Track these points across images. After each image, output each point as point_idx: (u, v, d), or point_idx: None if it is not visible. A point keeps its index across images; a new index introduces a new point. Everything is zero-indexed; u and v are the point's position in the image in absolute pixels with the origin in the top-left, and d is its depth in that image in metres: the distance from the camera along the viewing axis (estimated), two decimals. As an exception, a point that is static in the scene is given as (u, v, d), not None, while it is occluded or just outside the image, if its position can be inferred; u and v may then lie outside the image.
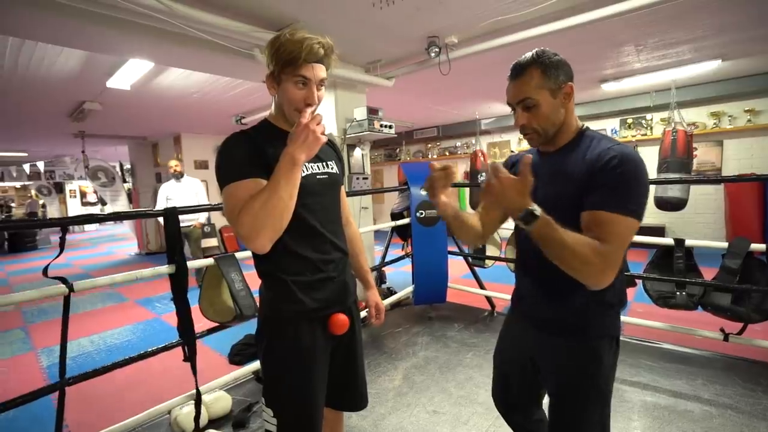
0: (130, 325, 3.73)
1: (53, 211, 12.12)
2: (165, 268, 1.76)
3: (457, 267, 4.01)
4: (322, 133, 0.91)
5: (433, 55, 3.16)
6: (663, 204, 4.49)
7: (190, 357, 1.80)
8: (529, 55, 0.95)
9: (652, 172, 5.10)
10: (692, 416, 1.86)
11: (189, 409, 1.93)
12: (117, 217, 1.59)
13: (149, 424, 2.00)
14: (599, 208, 0.84)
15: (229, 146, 0.96)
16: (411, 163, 4.64)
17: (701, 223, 5.74)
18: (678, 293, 2.25)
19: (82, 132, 6.08)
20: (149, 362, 2.74)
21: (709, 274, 2.30)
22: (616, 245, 0.82)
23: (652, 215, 5.89)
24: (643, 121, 6.12)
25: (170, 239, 1.74)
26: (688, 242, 2.27)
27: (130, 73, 3.42)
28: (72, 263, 7.54)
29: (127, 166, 8.90)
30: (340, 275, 1.09)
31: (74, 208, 13.85)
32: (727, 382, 2.14)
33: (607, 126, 6.39)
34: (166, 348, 1.82)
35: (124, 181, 8.59)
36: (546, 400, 1.10)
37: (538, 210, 0.81)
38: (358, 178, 3.82)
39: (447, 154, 8.69)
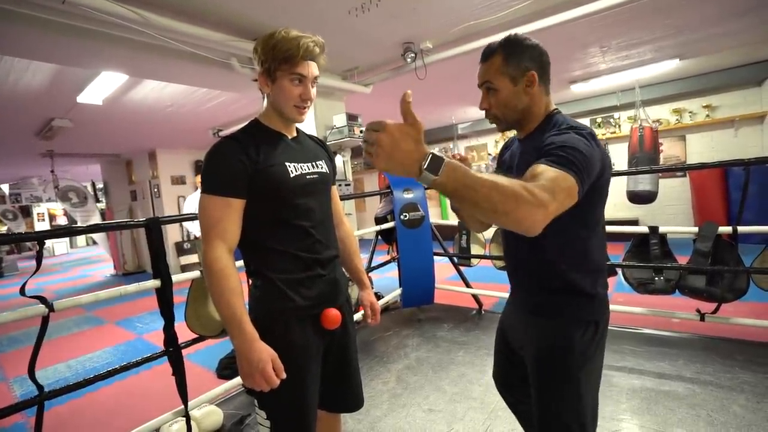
0: (111, 347, 3.59)
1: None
2: (150, 283, 1.71)
3: (443, 269, 4.06)
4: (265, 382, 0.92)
5: (409, 60, 3.23)
6: (635, 197, 4.70)
7: (177, 371, 1.75)
8: (500, 39, 0.98)
9: (622, 168, 5.28)
10: (677, 394, 1.94)
11: (179, 425, 1.86)
12: (96, 229, 1.55)
13: (137, 444, 1.92)
14: (538, 162, 0.79)
15: (217, 154, 0.97)
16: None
17: (671, 215, 6.01)
18: (656, 278, 2.35)
19: (50, 151, 5.86)
20: (135, 383, 2.68)
21: (682, 261, 2.41)
22: (548, 188, 0.71)
23: (625, 209, 6.12)
24: (612, 120, 6.39)
25: (155, 252, 1.69)
26: (662, 229, 2.38)
27: (102, 87, 3.34)
28: (44, 288, 7.19)
29: (100, 185, 8.62)
30: (331, 273, 1.09)
31: (43, 232, 13.25)
32: (706, 360, 2.23)
33: (578, 125, 6.64)
34: (151, 358, 1.76)
35: (97, 200, 8.31)
36: None
37: (441, 154, 0.65)
38: (340, 185, 3.83)
39: (426, 159, 8.80)
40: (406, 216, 3.35)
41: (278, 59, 0.96)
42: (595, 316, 0.98)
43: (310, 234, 1.04)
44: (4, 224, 11.76)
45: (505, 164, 1.12)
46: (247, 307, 1.02)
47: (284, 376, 0.92)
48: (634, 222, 6.11)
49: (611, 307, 2.66)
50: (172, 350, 1.77)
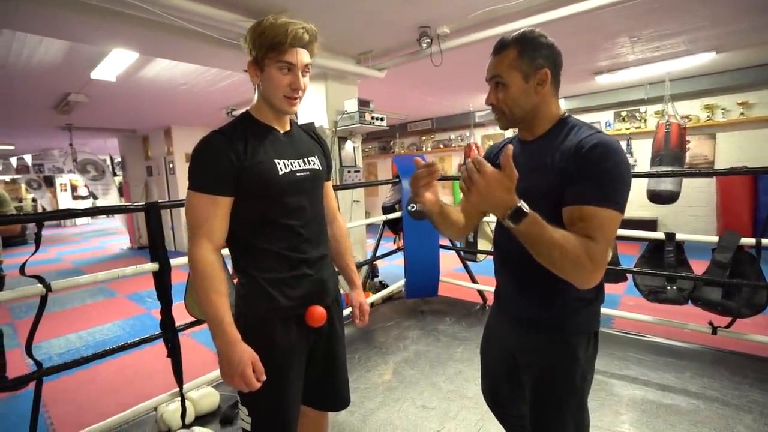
0: (120, 320, 3.70)
1: (45, 205, 11.95)
2: (148, 266, 1.72)
3: (450, 260, 4.01)
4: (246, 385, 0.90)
5: (424, 45, 3.10)
6: (655, 197, 4.50)
7: (173, 353, 1.78)
8: (514, 33, 0.92)
9: (645, 165, 5.13)
10: (679, 409, 1.87)
11: (175, 405, 1.90)
12: (96, 212, 1.54)
13: (135, 421, 1.98)
14: (583, 203, 0.81)
15: (205, 150, 0.94)
16: (403, 156, 4.60)
17: (693, 216, 5.77)
18: (668, 288, 2.25)
19: (69, 125, 5.95)
20: (137, 360, 2.74)
21: (699, 266, 2.30)
22: (603, 242, 0.79)
23: (644, 208, 5.90)
24: (637, 114, 6.10)
25: (153, 235, 1.69)
26: (679, 236, 2.27)
27: (114, 64, 3.33)
28: (63, 258, 7.46)
29: (118, 159, 8.78)
30: (318, 273, 1.06)
31: (65, 202, 13.68)
32: (714, 375, 2.15)
33: (601, 119, 6.37)
34: (146, 340, 1.79)
35: (115, 174, 8.47)
36: None
37: (526, 207, 0.75)
38: (349, 171, 3.78)
39: (441, 146, 8.65)
40: (413, 207, 3.29)
41: (265, 46, 0.92)
42: (595, 326, 0.97)
43: (298, 233, 1.01)
44: (29, 192, 12.19)
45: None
46: (234, 303, 1.01)
47: (264, 378, 0.91)
48: (653, 222, 5.90)
49: (618, 312, 2.61)
50: (169, 333, 1.79)
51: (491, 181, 0.75)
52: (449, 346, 2.70)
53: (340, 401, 1.18)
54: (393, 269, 4.64)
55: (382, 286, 3.87)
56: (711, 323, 2.22)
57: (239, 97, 5.14)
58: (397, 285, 3.64)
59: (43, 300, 1.48)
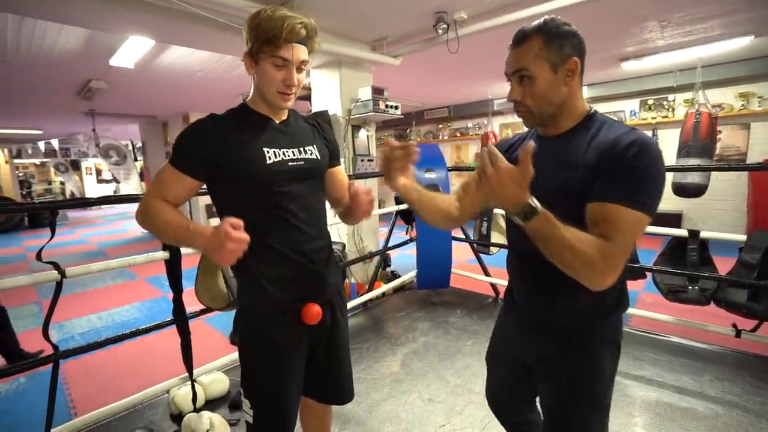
0: (138, 303, 3.82)
1: (71, 188, 12.41)
2: (159, 255, 1.75)
3: (463, 251, 3.96)
4: (233, 259, 0.84)
5: (440, 32, 3.01)
6: (681, 190, 4.31)
7: (183, 340, 1.82)
8: (536, 22, 0.85)
9: (671, 157, 4.91)
10: (696, 414, 1.81)
11: (186, 389, 1.96)
12: (108, 201, 1.57)
13: (149, 402, 2.04)
14: (609, 200, 0.75)
15: (188, 131, 0.95)
16: (417, 145, 4.52)
17: (720, 210, 5.52)
18: (690, 287, 2.16)
19: (92, 110, 6.09)
20: (153, 342, 2.83)
21: (724, 263, 2.19)
22: (623, 244, 0.74)
23: (668, 201, 5.68)
24: (665, 103, 5.82)
25: (164, 224, 1.71)
26: (704, 234, 2.16)
27: (131, 51, 3.36)
28: (88, 240, 7.74)
29: (139, 144, 8.97)
30: (316, 266, 1.04)
31: (90, 185, 14.14)
32: (735, 379, 2.06)
33: (626, 107, 6.11)
34: (158, 326, 1.84)
35: (136, 159, 8.67)
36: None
37: (538, 205, 0.72)
38: (362, 160, 3.75)
39: (458, 135, 8.49)
40: (426, 198, 3.24)
41: (261, 40, 0.90)
42: (619, 336, 0.91)
43: (291, 225, 0.99)
44: (57, 175, 12.65)
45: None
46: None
47: (243, 234, 0.83)
48: (678, 216, 5.68)
49: (635, 311, 2.53)
50: (180, 320, 1.83)
51: (505, 176, 0.71)
52: (459, 339, 2.68)
53: (343, 395, 1.18)
54: (405, 259, 4.63)
55: (394, 276, 3.86)
56: (735, 325, 2.12)
57: (255, 84, 5.14)
58: (409, 275, 3.63)
59: (59, 285, 1.52)
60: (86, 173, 14.11)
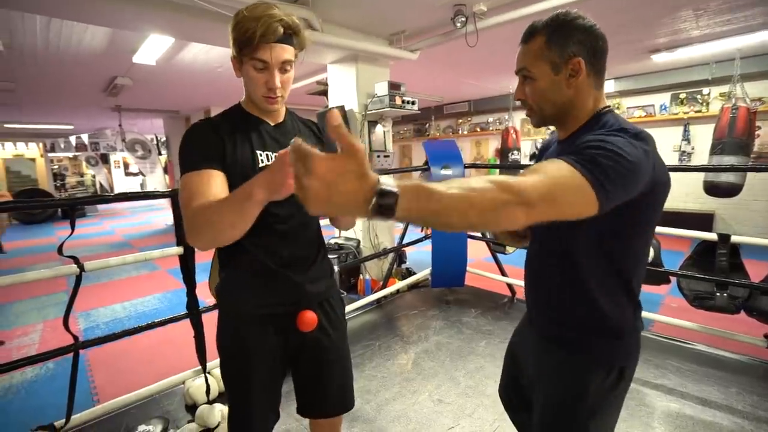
0: (160, 293, 3.94)
1: (101, 181, 12.91)
2: (173, 250, 1.78)
3: (481, 248, 3.89)
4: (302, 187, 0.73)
5: (459, 25, 2.93)
6: (713, 189, 4.08)
7: (197, 334, 1.85)
8: (546, 18, 0.80)
9: (704, 154, 4.62)
10: (721, 428, 1.72)
11: (200, 381, 2.00)
12: (124, 198, 1.61)
13: (166, 392, 2.10)
14: (557, 158, 0.64)
15: (190, 135, 0.91)
16: (433, 141, 4.46)
17: (756, 212, 5.22)
18: (718, 294, 2.05)
19: (118, 106, 6.30)
20: (171, 332, 2.90)
21: (758, 268, 2.06)
22: (544, 184, 0.57)
23: (699, 200, 5.44)
24: (699, 97, 5.52)
25: (178, 220, 1.75)
26: (735, 238, 2.04)
27: (153, 49, 3.43)
28: (115, 231, 8.05)
29: (163, 138, 9.22)
30: (294, 273, 0.98)
31: (119, 178, 14.68)
32: (766, 393, 1.95)
33: (656, 101, 5.84)
34: (175, 319, 1.89)
35: (160, 153, 8.91)
36: None
37: (391, 183, 0.47)
38: (378, 156, 3.72)
39: (478, 130, 8.34)
40: (441, 195, 3.19)
41: (239, 42, 0.85)
42: (621, 361, 0.82)
43: (274, 230, 0.95)
44: (89, 168, 13.18)
45: None
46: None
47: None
48: (709, 217, 5.42)
49: (658, 316, 2.42)
50: (193, 314, 1.87)
51: (329, 177, 0.45)
52: (472, 340, 2.64)
53: (332, 407, 1.10)
54: (421, 256, 4.59)
55: (409, 273, 3.84)
56: (767, 336, 2.00)
57: (273, 80, 5.18)
58: (423, 273, 3.60)
59: (78, 279, 1.57)
60: (115, 166, 14.64)
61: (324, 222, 1.21)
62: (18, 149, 11.03)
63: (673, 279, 2.27)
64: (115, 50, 3.55)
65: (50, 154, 11.50)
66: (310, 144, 1.02)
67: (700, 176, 4.07)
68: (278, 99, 0.92)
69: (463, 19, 2.89)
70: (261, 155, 0.94)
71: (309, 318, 0.98)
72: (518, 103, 0.91)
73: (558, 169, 0.61)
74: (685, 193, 5.57)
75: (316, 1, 2.73)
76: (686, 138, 5.65)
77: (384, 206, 0.47)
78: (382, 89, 3.45)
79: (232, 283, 0.99)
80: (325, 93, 4.48)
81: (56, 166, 13.45)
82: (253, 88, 0.90)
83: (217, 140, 0.90)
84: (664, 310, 2.98)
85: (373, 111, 3.53)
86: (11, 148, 10.89)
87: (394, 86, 3.46)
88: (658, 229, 1.97)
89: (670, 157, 5.74)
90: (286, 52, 0.87)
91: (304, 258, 1.01)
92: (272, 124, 0.99)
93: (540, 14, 2.99)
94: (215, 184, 0.85)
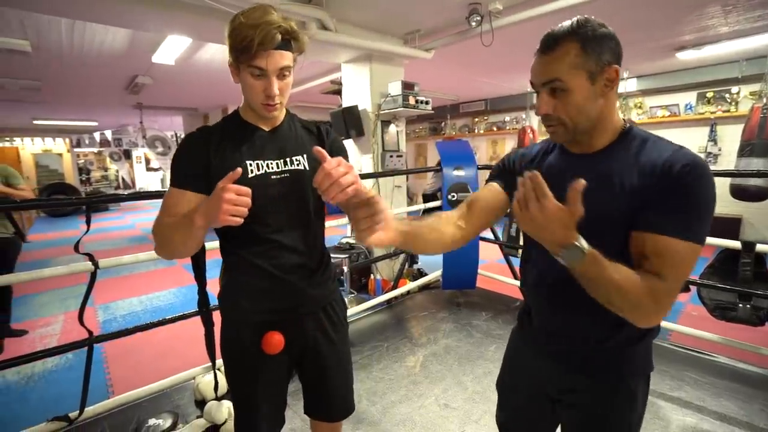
0: (175, 288, 4.03)
1: (123, 175, 13.33)
2: (184, 248, 1.82)
3: (494, 251, 3.84)
4: (237, 214, 0.77)
5: (473, 24, 2.89)
6: (740, 193, 3.92)
7: (207, 330, 1.88)
8: (567, 24, 0.73)
9: (731, 156, 4.45)
10: (739, 445, 1.65)
11: (209, 377, 2.04)
12: (138, 197, 1.65)
13: (176, 387, 2.14)
14: (661, 232, 0.69)
15: (180, 149, 0.93)
16: (446, 142, 4.42)
17: (788, 217, 4.99)
18: (740, 305, 1.96)
19: (139, 104, 6.46)
20: (184, 328, 2.97)
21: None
22: (675, 281, 0.68)
23: (725, 204, 5.22)
24: (727, 96, 5.29)
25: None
26: (760, 247, 1.94)
27: (171, 49, 3.50)
28: (135, 225, 8.28)
29: (182, 135, 9.42)
30: (296, 280, 0.98)
31: (140, 173, 15.09)
32: (790, 409, 1.86)
33: (680, 101, 5.63)
34: (185, 316, 1.92)
35: (180, 150, 9.11)
36: None
37: (585, 246, 0.66)
38: (391, 156, 3.71)
39: (495, 129, 8.21)
40: (454, 196, 3.16)
41: (236, 49, 0.85)
42: (649, 368, 0.84)
43: (270, 239, 0.95)
44: (112, 163, 13.60)
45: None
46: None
47: (244, 189, 0.78)
48: (735, 221, 5.20)
49: (676, 326, 2.34)
50: (204, 311, 1.89)
51: (549, 216, 0.65)
52: (481, 344, 2.61)
53: (334, 411, 1.12)
54: (433, 257, 4.56)
55: (420, 273, 3.82)
56: (792, 350, 1.91)
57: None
58: (435, 274, 3.57)
59: (93, 276, 1.61)
60: (137, 162, 15.04)
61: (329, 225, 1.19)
62: (46, 144, 11.46)
63: (694, 288, 2.18)
64: (135, 50, 3.64)
65: (76, 150, 11.92)
66: (306, 145, 0.99)
67: (727, 178, 3.91)
68: (277, 106, 0.91)
69: (478, 18, 2.84)
70: (251, 165, 0.93)
71: (275, 341, 0.96)
72: (534, 103, 0.86)
73: (682, 254, 0.68)
74: (710, 196, 5.36)
75: (331, 1, 2.73)
76: (712, 139, 5.43)
77: (574, 256, 0.67)
78: (395, 89, 3.43)
79: (234, 289, 0.99)
80: (339, 92, 4.49)
81: (82, 161, 13.92)
82: (251, 95, 0.89)
83: (204, 156, 0.91)
84: (683, 318, 2.88)
85: (387, 111, 3.52)
86: (40, 143, 11.32)
87: (407, 86, 3.44)
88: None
89: (694, 159, 5.53)
90: (285, 58, 0.86)
91: (305, 266, 1.01)
92: (267, 129, 0.98)
93: (557, 13, 2.90)
94: (186, 205, 0.88)
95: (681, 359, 2.31)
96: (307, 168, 0.98)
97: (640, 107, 5.98)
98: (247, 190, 0.78)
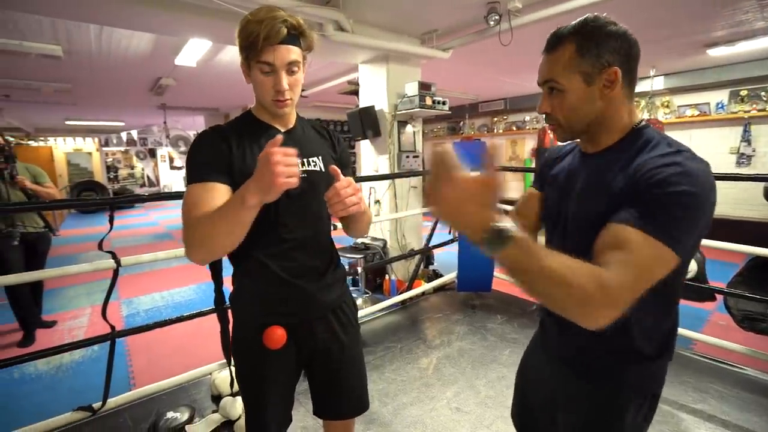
0: (195, 285, 4.15)
1: (149, 173, 13.77)
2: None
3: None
4: (291, 176, 0.72)
5: (492, 23, 2.85)
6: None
7: (222, 327, 1.92)
8: (573, 23, 0.73)
9: (767, 157, 4.25)
10: (765, 463, 1.58)
11: (225, 373, 2.09)
12: (158, 197, 1.70)
13: (194, 381, 2.21)
14: (627, 223, 0.62)
15: (196, 145, 0.91)
16: (463, 142, 4.37)
17: (827, 221, 4.72)
18: (770, 315, 1.87)
19: (163, 104, 6.66)
20: (203, 323, 3.06)
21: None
22: (631, 276, 0.58)
23: (757, 208, 4.99)
24: (763, 94, 5.04)
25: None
26: (793, 255, 1.85)
27: (193, 51, 3.59)
28: (158, 222, 8.54)
29: (205, 135, 9.65)
30: (307, 282, 0.98)
31: (164, 171, 15.57)
32: (823, 427, 1.76)
33: (711, 99, 5.40)
34: (201, 314, 1.98)
35: (202, 149, 9.35)
36: None
37: (509, 228, 0.54)
38: (408, 156, 3.70)
39: (514, 128, 8.08)
40: (469, 198, 3.12)
41: (244, 47, 0.86)
42: (655, 388, 0.79)
43: (284, 239, 0.95)
44: (138, 162, 14.08)
45: (557, 183, 0.88)
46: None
47: (289, 150, 0.74)
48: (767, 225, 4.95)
49: (701, 336, 2.26)
50: (220, 308, 1.94)
51: (461, 193, 0.54)
52: (495, 348, 2.58)
53: (347, 409, 1.13)
54: (449, 257, 4.51)
55: (436, 275, 3.81)
56: (826, 364, 1.81)
57: (309, 78, 5.28)
58: (450, 276, 3.55)
59: (115, 273, 1.68)
60: (161, 160, 15.50)
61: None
62: (77, 144, 11.95)
63: (720, 297, 2.09)
64: (158, 53, 3.75)
65: (104, 149, 12.37)
66: (325, 149, 0.99)
67: (760, 182, 3.72)
68: (288, 102, 0.90)
69: (497, 17, 2.80)
70: None
71: (277, 335, 0.96)
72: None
73: (644, 248, 0.60)
74: (742, 198, 5.12)
75: (348, 2, 2.74)
76: (746, 139, 5.19)
77: (495, 240, 0.54)
78: (412, 89, 3.42)
79: (245, 293, 1.00)
80: (356, 93, 4.51)
81: (110, 160, 14.44)
82: (262, 92, 0.90)
83: (224, 150, 0.89)
84: (709, 327, 2.76)
85: (403, 111, 3.51)
86: (71, 142, 11.81)
87: (424, 86, 3.42)
88: (704, 241, 1.82)
89: (726, 160, 5.30)
90: (292, 52, 0.86)
91: (316, 267, 1.01)
92: (282, 129, 0.98)
93: (578, 11, 2.83)
94: (217, 197, 0.83)
95: (705, 370, 2.22)
96: (323, 169, 0.99)
97: (667, 106, 5.76)
98: (293, 150, 0.74)
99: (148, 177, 14.07)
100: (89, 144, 12.20)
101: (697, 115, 5.50)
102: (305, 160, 0.98)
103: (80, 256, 5.58)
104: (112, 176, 13.91)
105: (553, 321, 0.91)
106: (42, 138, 10.96)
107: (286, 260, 0.96)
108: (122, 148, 13.81)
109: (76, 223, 8.55)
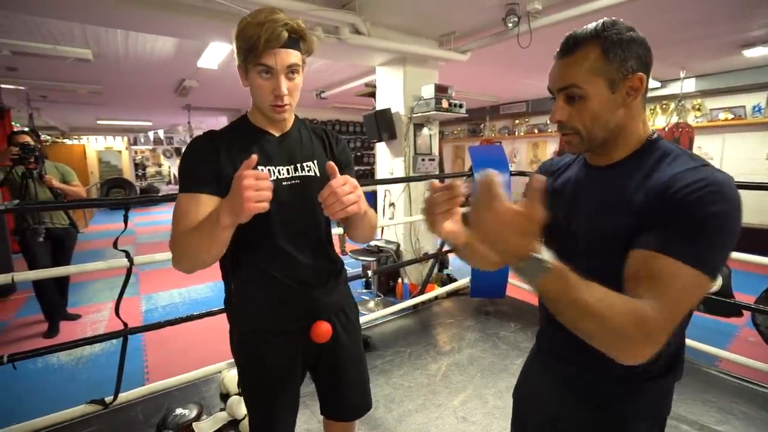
0: (211, 282, 4.24)
1: (175, 172, 14.27)
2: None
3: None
4: (262, 200, 0.73)
5: (510, 25, 2.79)
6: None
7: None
8: (591, 26, 0.68)
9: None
10: (793, 494, 1.47)
11: (234, 372, 2.12)
12: (171, 199, 1.74)
13: (205, 379, 2.25)
14: (660, 250, 0.59)
15: (186, 154, 0.90)
16: (478, 146, 4.30)
17: None
18: (802, 335, 1.75)
19: (188, 105, 6.86)
20: (217, 322, 3.12)
21: None
22: (670, 311, 0.56)
23: (797, 218, 4.71)
24: (803, 97, 4.76)
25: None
26: (830, 271, 1.72)
27: (214, 54, 3.68)
28: (179, 220, 8.81)
29: (227, 135, 9.90)
30: (308, 288, 0.98)
31: (189, 170, 16.09)
32: None
33: (747, 102, 5.12)
34: (211, 313, 2.01)
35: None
36: None
37: (547, 260, 0.55)
38: (423, 159, 3.67)
39: (536, 131, 7.92)
40: (484, 202, 3.07)
41: (243, 49, 0.84)
42: (664, 411, 0.75)
43: (280, 247, 0.94)
44: (164, 160, 14.56)
45: (562, 196, 0.83)
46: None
47: (262, 174, 0.77)
48: (808, 236, 4.65)
49: (727, 353, 2.14)
50: (230, 309, 1.98)
51: (504, 220, 0.54)
52: (506, 356, 2.52)
53: (350, 411, 1.13)
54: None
55: (450, 279, 3.76)
56: None
57: (328, 80, 5.33)
58: (464, 281, 3.50)
59: (129, 271, 1.73)
60: (187, 159, 16.04)
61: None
62: (108, 142, 12.47)
63: (747, 313, 1.98)
64: (182, 56, 3.86)
65: (133, 147, 12.87)
66: (321, 152, 0.96)
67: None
68: (286, 107, 0.89)
69: (515, 18, 2.74)
70: (262, 171, 0.91)
71: (324, 329, 0.97)
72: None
73: (681, 279, 0.58)
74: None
75: (364, 5, 2.74)
76: (783, 144, 4.90)
77: (534, 269, 0.55)
78: (428, 92, 3.40)
79: (246, 297, 0.98)
80: (373, 95, 4.51)
81: (138, 158, 15.01)
82: (259, 96, 0.88)
83: (214, 160, 0.88)
84: (737, 344, 2.62)
85: (419, 114, 3.49)
86: (102, 141, 12.33)
87: (441, 89, 3.39)
88: (732, 254, 1.72)
89: (763, 166, 5.02)
90: (292, 56, 0.85)
91: (318, 273, 1.00)
92: (277, 134, 0.97)
93: (601, 12, 2.73)
94: (203, 209, 0.84)
95: (730, 389, 2.10)
96: (318, 174, 0.98)
97: (698, 109, 5.51)
98: (266, 174, 0.76)
99: (174, 175, 14.57)
100: (119, 143, 12.71)
101: (731, 119, 5.24)
102: (299, 165, 0.96)
103: (105, 251, 5.79)
104: (140, 173, 14.46)
105: (553, 342, 0.87)
106: (76, 136, 11.49)
107: (285, 266, 0.95)
108: (150, 147, 14.33)
109: (104, 219, 8.90)
